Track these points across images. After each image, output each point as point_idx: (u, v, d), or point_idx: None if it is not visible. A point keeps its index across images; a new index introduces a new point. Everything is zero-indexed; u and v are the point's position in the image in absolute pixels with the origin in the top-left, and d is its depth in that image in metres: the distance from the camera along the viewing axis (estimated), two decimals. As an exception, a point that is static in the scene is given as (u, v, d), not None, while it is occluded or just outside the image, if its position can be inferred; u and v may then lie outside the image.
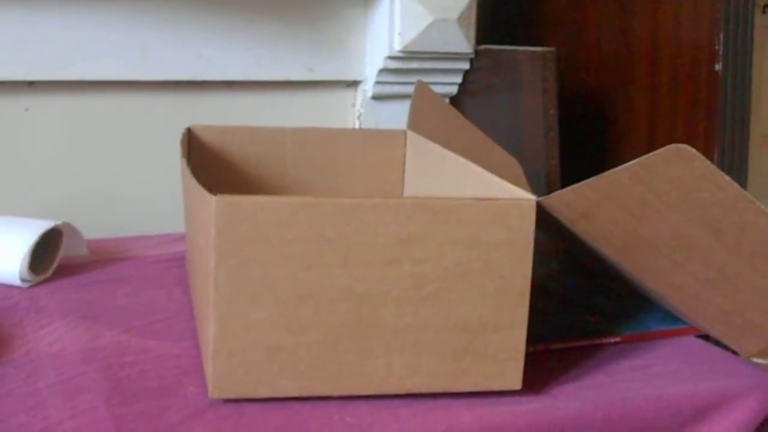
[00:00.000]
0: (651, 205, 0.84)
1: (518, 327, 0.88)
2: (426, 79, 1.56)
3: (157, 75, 1.55)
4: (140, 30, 1.52)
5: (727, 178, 0.81)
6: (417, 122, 1.34)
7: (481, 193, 0.94)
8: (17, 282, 1.17)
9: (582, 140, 1.71)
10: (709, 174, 0.81)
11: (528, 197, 0.87)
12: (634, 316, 1.12)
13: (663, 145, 0.80)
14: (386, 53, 1.64)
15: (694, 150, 0.80)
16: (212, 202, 0.80)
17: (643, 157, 0.81)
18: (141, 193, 1.58)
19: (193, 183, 0.92)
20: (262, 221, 0.81)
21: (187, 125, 1.27)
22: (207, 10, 1.56)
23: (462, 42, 1.67)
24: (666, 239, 0.89)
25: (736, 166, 1.52)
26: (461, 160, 1.09)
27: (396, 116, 1.67)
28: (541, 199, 0.87)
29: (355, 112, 1.73)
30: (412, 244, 0.84)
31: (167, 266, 1.28)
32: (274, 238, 0.82)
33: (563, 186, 0.88)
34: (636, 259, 0.95)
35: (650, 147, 1.56)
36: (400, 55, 1.64)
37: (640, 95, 1.64)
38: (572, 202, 0.87)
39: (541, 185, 1.52)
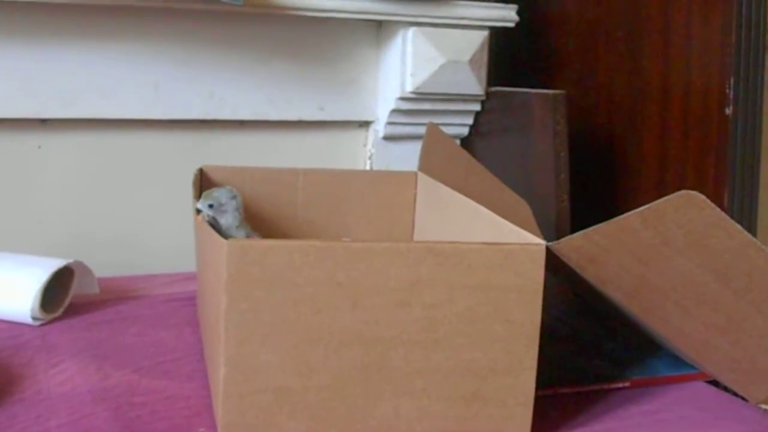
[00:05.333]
0: (660, 251, 0.85)
1: (527, 372, 0.89)
2: (437, 120, 1.56)
3: (170, 114, 1.56)
4: (153, 69, 1.53)
5: (737, 225, 0.82)
6: (428, 164, 1.34)
7: (491, 237, 0.94)
8: (28, 320, 1.17)
9: (592, 183, 1.71)
10: (718, 221, 0.81)
11: (538, 242, 0.88)
12: (643, 360, 1.12)
13: (673, 188, 0.80)
14: (398, 94, 1.65)
15: (703, 197, 0.80)
16: (224, 246, 0.81)
17: (653, 203, 0.81)
18: (153, 231, 1.59)
19: (205, 226, 0.93)
20: (272, 265, 0.81)
21: (198, 163, 1.28)
22: (219, 49, 1.57)
23: (473, 84, 1.68)
24: (675, 285, 0.89)
25: (746, 211, 1.52)
26: (471, 203, 1.10)
27: (407, 157, 1.67)
28: (550, 244, 0.87)
29: (366, 152, 1.73)
30: (422, 288, 0.85)
31: (178, 305, 1.28)
32: (285, 281, 0.82)
33: (573, 228, 0.88)
34: (645, 305, 0.95)
35: (660, 190, 1.58)
36: (412, 96, 1.65)
37: (651, 138, 1.64)
38: (581, 248, 0.87)
39: (551, 227, 1.52)
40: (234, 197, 1.12)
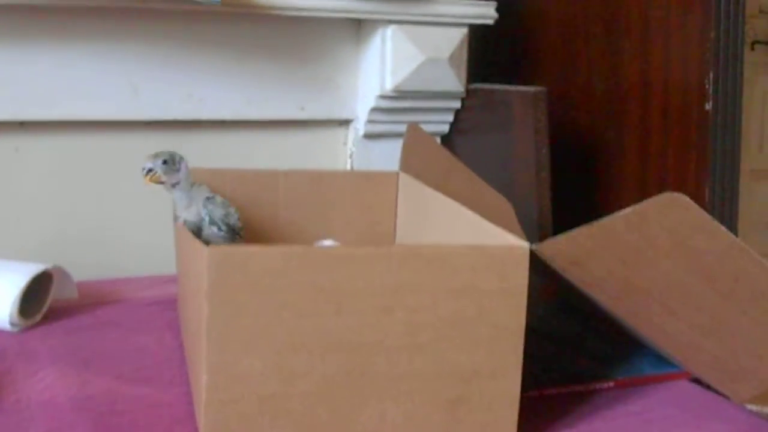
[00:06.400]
0: (644, 253, 0.84)
1: (512, 374, 0.88)
2: (417, 118, 1.56)
3: (149, 115, 1.55)
4: (131, 70, 1.52)
5: (721, 226, 0.81)
6: (409, 164, 1.34)
7: (473, 238, 0.94)
8: (7, 327, 1.16)
9: (573, 179, 1.71)
10: (703, 222, 0.81)
11: (521, 244, 0.87)
12: (627, 360, 1.12)
13: (654, 184, 0.80)
14: (378, 92, 1.65)
15: (687, 198, 0.80)
16: (205, 252, 0.80)
17: (637, 205, 0.81)
18: (131, 233, 1.57)
19: (186, 232, 0.92)
20: (254, 271, 0.81)
21: (178, 165, 1.27)
22: (198, 50, 1.56)
23: (453, 81, 1.67)
24: (659, 286, 0.88)
25: (726, 204, 1.52)
26: (453, 203, 1.09)
27: (388, 155, 1.67)
28: (534, 247, 0.87)
29: (346, 150, 1.73)
30: (406, 292, 0.84)
31: (158, 309, 1.27)
32: (267, 287, 0.81)
33: (555, 225, 0.88)
34: (629, 306, 0.94)
35: (641, 186, 1.57)
36: (392, 94, 1.64)
37: (631, 134, 1.64)
38: (565, 250, 0.86)
39: (532, 225, 1.52)
40: (173, 154, 1.10)
